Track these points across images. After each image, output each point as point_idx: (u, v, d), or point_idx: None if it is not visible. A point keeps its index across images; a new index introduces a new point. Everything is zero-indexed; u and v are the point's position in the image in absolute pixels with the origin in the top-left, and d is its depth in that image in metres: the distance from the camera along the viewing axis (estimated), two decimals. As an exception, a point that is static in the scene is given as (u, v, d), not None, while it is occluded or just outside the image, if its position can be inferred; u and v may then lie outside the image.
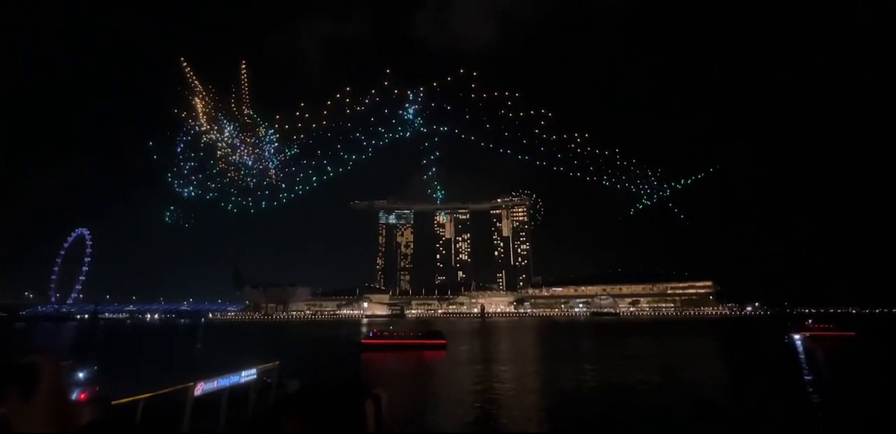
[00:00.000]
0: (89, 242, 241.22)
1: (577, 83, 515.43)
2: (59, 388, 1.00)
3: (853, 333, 66.04)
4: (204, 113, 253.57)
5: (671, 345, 62.61)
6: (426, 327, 73.45)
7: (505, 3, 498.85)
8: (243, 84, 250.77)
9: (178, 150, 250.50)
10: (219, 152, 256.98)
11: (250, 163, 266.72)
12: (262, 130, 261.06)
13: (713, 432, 18.82)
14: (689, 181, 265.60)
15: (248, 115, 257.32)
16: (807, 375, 33.15)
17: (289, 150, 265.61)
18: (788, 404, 23.72)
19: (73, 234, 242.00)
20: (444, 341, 54.75)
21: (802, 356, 45.21)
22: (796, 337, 61.97)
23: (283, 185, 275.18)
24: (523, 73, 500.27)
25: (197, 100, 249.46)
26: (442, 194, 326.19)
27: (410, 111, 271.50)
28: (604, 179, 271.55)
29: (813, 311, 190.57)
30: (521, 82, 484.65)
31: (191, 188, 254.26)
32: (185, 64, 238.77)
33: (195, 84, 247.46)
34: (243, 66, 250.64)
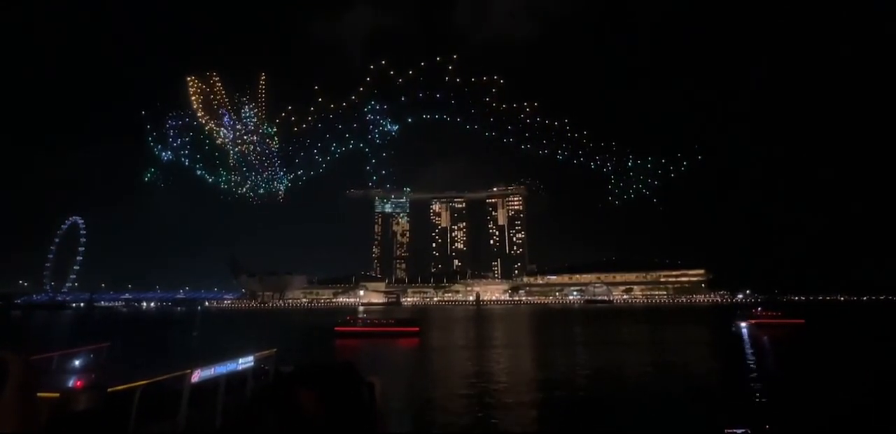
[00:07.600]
0: (83, 231, 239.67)
1: (583, 76, 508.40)
2: (28, 386, 0.92)
3: (802, 321, 65.85)
4: (206, 102, 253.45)
5: (661, 332, 63.39)
6: (399, 315, 73.47)
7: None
8: (260, 90, 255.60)
9: (172, 124, 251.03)
10: (229, 144, 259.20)
11: (248, 148, 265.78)
12: (269, 128, 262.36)
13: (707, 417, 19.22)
14: (682, 170, 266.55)
15: (259, 111, 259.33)
16: (740, 363, 33.57)
17: (296, 136, 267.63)
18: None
19: (67, 223, 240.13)
20: (418, 329, 55.20)
21: (747, 344, 45.52)
22: (742, 325, 62.17)
23: (282, 172, 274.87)
24: (531, 64, 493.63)
25: (198, 87, 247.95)
26: (408, 190, 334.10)
27: (387, 121, 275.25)
28: (601, 169, 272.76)
29: (802, 298, 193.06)
30: (525, 73, 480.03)
31: (169, 153, 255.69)
32: (214, 75, 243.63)
33: (213, 79, 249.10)
34: (262, 77, 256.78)
